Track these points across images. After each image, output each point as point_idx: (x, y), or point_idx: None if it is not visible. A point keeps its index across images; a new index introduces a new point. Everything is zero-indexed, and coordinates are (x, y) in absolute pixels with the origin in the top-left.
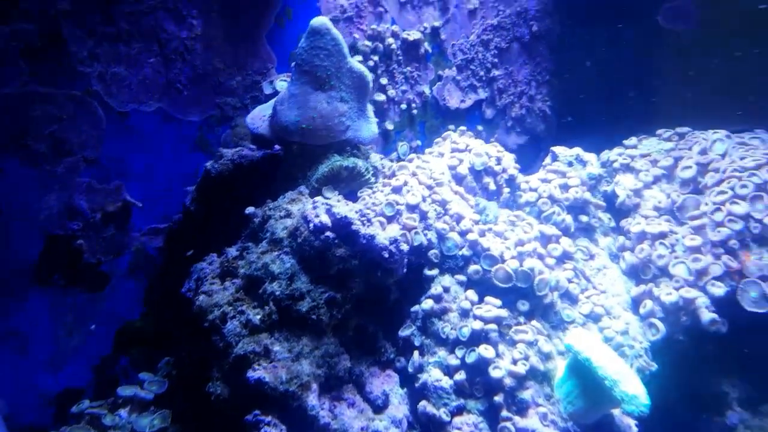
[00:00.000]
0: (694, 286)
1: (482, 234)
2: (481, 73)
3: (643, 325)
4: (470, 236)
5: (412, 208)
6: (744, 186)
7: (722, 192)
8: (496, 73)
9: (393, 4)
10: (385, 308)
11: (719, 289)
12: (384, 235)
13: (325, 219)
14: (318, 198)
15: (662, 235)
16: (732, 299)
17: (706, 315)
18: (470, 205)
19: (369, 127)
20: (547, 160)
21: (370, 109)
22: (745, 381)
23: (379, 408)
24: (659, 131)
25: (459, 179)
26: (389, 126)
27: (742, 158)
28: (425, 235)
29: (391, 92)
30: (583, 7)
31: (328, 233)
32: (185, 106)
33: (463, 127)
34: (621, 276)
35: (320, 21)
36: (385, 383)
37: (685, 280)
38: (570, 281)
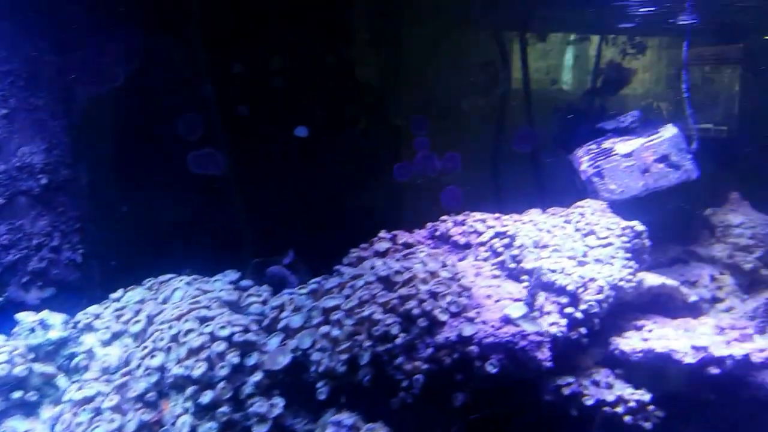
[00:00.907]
0: None
1: None
2: None
3: None
4: None
5: None
6: (161, 338)
7: (145, 347)
8: None
9: None
10: None
11: None
12: None
13: None
14: None
15: (88, 400)
16: None
17: None
18: None
19: None
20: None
21: None
22: None
23: None
24: (145, 280)
25: None
26: None
27: (174, 309)
28: None
29: None
30: (116, 157)
31: None
32: None
33: None
34: None
35: None
36: None
37: None
38: None
